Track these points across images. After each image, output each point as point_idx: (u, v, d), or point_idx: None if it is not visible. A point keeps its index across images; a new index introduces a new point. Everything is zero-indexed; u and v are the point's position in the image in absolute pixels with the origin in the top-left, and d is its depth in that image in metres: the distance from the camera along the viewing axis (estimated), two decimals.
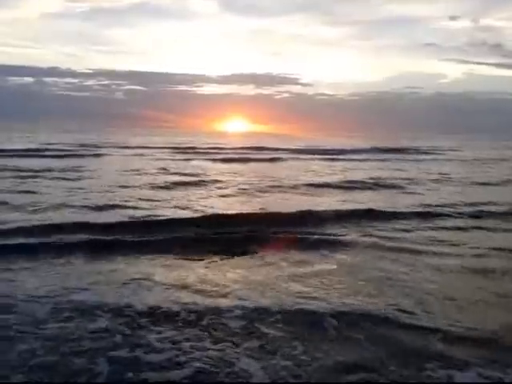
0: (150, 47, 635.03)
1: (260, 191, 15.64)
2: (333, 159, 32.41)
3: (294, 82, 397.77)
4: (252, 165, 27.21)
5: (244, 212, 11.96)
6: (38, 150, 32.24)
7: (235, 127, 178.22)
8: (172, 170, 21.86)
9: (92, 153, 32.06)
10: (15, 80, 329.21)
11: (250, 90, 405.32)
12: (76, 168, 21.82)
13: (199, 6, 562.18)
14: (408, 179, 20.15)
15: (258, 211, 12.07)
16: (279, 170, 23.82)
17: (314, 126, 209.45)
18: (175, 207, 12.40)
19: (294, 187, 16.64)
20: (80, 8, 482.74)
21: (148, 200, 13.40)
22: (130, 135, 69.16)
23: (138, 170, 21.53)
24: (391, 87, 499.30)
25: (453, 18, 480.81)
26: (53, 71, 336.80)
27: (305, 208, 12.17)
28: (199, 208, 12.32)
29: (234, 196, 14.84)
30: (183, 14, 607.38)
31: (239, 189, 16.07)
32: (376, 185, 17.90)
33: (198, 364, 4.46)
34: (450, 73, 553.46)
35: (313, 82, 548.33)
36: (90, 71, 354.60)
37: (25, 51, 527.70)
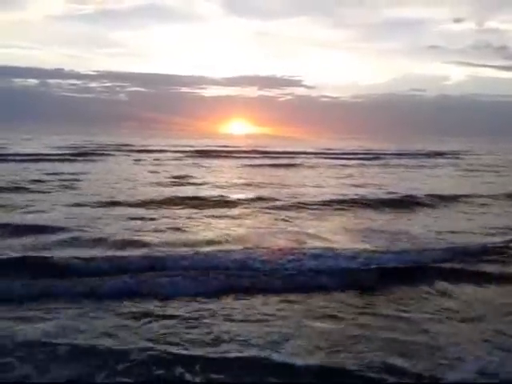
0: (154, 49, 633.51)
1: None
2: (378, 165, 30.06)
3: (298, 84, 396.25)
4: (294, 171, 24.67)
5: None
6: (44, 154, 30.52)
7: (242, 129, 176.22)
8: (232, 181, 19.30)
9: (119, 157, 29.86)
10: (19, 81, 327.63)
11: (253, 92, 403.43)
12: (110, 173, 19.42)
13: (203, 8, 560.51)
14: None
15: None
16: (340, 178, 21.16)
17: (320, 129, 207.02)
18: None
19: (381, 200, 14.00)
20: (84, 10, 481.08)
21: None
22: (142, 138, 66.73)
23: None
24: (395, 89, 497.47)
25: (457, 21, 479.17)
26: (57, 73, 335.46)
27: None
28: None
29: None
30: (187, 17, 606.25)
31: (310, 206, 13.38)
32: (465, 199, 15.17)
33: None
34: (454, 75, 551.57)
35: (316, 84, 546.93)
36: (94, 73, 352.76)
37: (29, 53, 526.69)
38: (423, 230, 10.32)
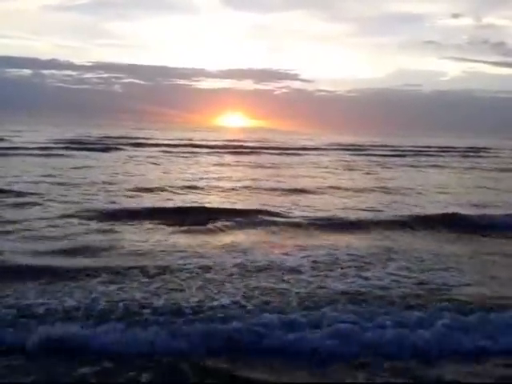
0: (150, 41, 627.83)
1: None
2: (415, 164, 27.25)
3: (294, 77, 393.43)
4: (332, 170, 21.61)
5: None
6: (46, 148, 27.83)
7: (238, 122, 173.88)
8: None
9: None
10: (14, 71, 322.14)
11: (249, 84, 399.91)
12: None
13: (200, 1, 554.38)
14: None
15: None
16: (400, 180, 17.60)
17: (316, 123, 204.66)
18: None
19: None
20: (80, 0, 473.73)
21: None
22: (138, 130, 63.55)
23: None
24: (391, 84, 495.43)
25: (455, 16, 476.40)
26: (51, 63, 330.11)
27: None
28: None
29: None
30: (184, 9, 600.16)
31: None
32: None
33: None
34: (450, 71, 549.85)
35: (312, 78, 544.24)
36: (89, 64, 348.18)
37: (24, 43, 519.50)
38: None
